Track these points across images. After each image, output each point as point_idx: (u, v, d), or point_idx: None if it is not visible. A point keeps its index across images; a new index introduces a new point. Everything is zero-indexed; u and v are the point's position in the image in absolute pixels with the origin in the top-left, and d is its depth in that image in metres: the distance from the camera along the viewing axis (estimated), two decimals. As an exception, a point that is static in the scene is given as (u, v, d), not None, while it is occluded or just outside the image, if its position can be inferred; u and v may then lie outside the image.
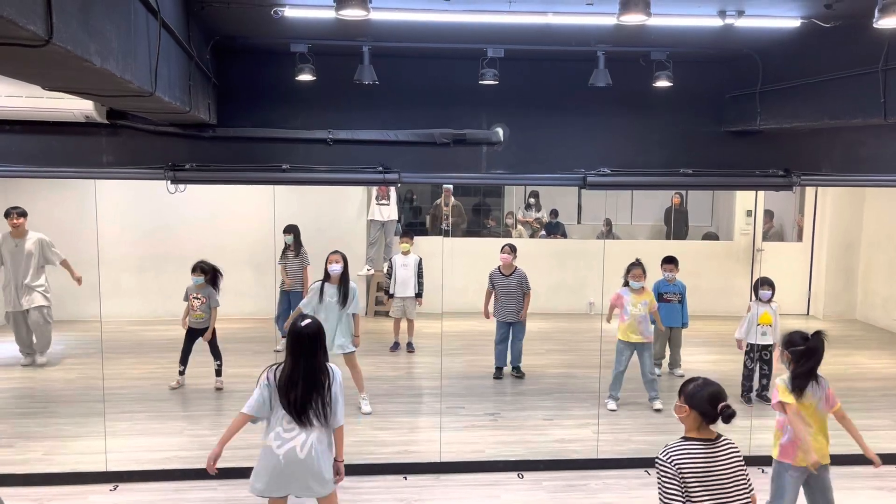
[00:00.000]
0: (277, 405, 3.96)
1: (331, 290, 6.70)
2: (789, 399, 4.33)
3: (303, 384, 3.92)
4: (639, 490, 5.60)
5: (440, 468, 5.82)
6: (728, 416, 3.21)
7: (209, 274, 7.48)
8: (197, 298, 7.42)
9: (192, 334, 7.48)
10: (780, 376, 4.47)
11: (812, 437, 4.34)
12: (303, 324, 4.05)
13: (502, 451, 6.13)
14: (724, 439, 3.33)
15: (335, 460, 4.09)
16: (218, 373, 7.55)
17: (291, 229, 8.71)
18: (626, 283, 7.21)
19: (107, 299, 6.54)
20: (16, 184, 9.73)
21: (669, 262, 7.96)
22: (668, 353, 8.28)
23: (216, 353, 7.55)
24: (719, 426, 3.33)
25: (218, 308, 7.52)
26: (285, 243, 8.72)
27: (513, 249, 7.94)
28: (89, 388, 7.08)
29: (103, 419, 5.98)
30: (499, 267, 8.01)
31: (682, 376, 8.10)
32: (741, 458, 3.31)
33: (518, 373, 8.08)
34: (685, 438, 3.30)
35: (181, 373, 7.51)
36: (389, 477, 5.69)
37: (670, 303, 7.91)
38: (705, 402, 3.24)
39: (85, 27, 2.32)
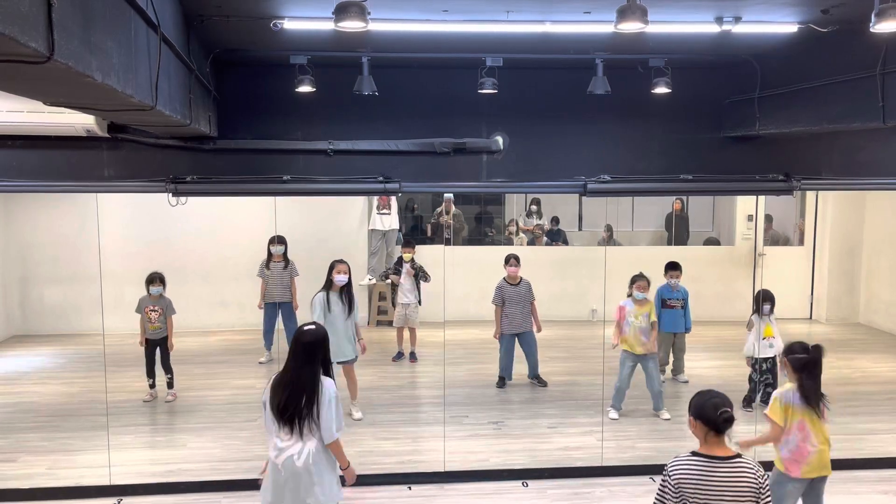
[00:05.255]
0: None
1: (335, 299, 6.69)
2: (778, 418, 4.34)
3: (291, 389, 3.87)
4: (644, 497, 5.58)
5: (444, 477, 5.81)
6: (724, 420, 3.18)
7: (164, 285, 7.49)
8: (154, 310, 7.42)
9: (152, 346, 7.46)
10: (778, 389, 4.48)
11: (818, 451, 4.33)
12: (306, 328, 4.03)
13: (506, 460, 6.11)
14: (741, 460, 3.20)
15: (340, 469, 4.04)
16: (170, 385, 7.53)
17: (283, 240, 8.64)
18: (630, 295, 7.19)
19: (109, 312, 6.54)
20: (17, 198, 9.79)
21: (673, 268, 7.95)
22: (671, 359, 8.26)
23: (168, 366, 7.52)
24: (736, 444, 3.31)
25: (174, 317, 7.53)
26: (272, 253, 8.64)
27: (518, 260, 8.00)
28: (92, 402, 7.09)
29: (107, 433, 5.98)
30: (504, 278, 8.03)
31: (685, 382, 8.09)
32: (755, 482, 3.15)
33: (540, 382, 8.07)
34: (693, 453, 3.26)
35: (151, 385, 7.51)
36: (393, 487, 5.67)
37: (673, 309, 7.90)
38: (707, 411, 3.22)
39: (86, 43, 2.33)
